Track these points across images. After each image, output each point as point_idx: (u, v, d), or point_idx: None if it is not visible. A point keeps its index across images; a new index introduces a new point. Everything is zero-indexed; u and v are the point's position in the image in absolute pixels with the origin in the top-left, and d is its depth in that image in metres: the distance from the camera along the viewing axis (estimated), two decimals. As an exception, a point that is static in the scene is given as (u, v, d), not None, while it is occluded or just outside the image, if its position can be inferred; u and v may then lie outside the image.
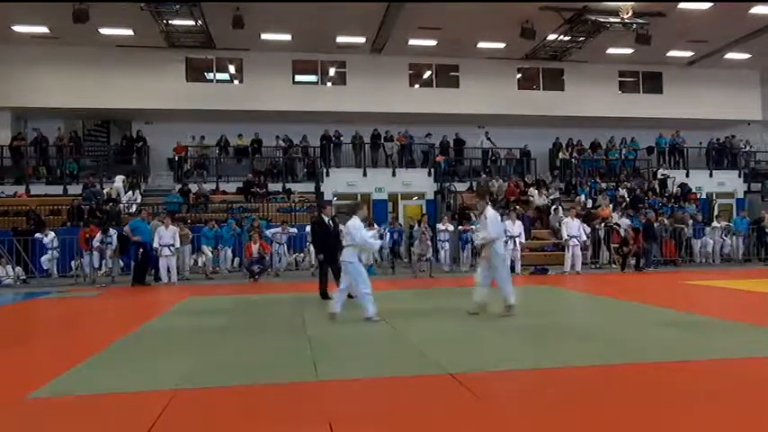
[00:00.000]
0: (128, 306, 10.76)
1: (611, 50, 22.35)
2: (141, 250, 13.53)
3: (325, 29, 20.00)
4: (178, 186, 20.22)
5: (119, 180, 19.06)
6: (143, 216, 14.38)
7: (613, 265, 16.38)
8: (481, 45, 21.87)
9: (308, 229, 15.56)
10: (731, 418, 3.66)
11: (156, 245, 13.74)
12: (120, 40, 20.39)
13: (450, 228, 16.51)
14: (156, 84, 21.22)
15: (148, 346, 6.35)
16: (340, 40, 21.14)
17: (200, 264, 15.82)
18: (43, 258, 15.15)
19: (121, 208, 18.21)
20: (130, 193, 19.35)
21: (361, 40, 21.23)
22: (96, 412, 4.06)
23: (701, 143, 24.53)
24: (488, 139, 23.56)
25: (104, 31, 19.38)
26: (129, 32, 19.80)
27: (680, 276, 14.06)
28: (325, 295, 9.95)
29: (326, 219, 10.31)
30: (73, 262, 15.19)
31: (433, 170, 22.74)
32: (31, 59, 20.41)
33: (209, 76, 22.73)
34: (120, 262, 15.19)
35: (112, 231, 14.51)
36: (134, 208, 17.95)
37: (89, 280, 14.38)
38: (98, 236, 14.27)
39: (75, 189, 19.87)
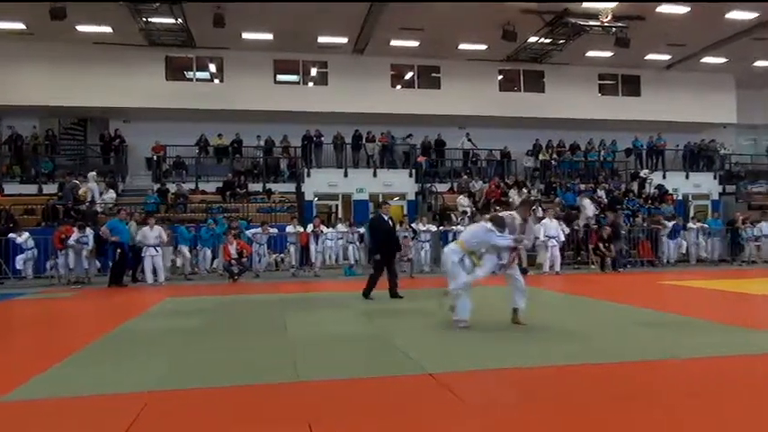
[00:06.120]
0: (104, 307, 10.60)
1: (590, 53, 22.61)
2: (119, 251, 13.34)
3: (307, 29, 19.93)
4: (156, 186, 20.00)
5: (91, 178, 18.71)
6: (121, 216, 14.17)
7: (592, 266, 16.56)
8: (463, 46, 21.97)
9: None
10: (706, 415, 3.71)
11: (137, 240, 13.66)
12: (98, 38, 20.10)
13: (432, 228, 16.56)
14: (134, 82, 20.92)
15: (125, 348, 6.25)
16: (322, 40, 21.08)
17: (178, 264, 15.65)
18: (18, 258, 14.86)
19: (98, 208, 17.91)
20: (112, 192, 19.08)
21: (343, 40, 21.19)
22: (70, 415, 3.97)
23: (677, 145, 24.92)
24: (469, 140, 23.67)
25: (82, 28, 19.09)
26: (108, 30, 19.52)
27: (656, 277, 14.27)
28: (394, 294, 9.93)
29: (386, 217, 10.15)
30: (48, 262, 14.92)
31: (414, 171, 22.78)
32: (6, 56, 19.99)
33: (189, 74, 22.52)
34: (97, 263, 14.97)
35: (89, 231, 14.26)
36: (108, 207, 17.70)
37: (64, 281, 14.13)
38: (74, 234, 14.00)
39: (50, 188, 19.56)
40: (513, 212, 7.40)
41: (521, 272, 7.43)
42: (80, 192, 18.04)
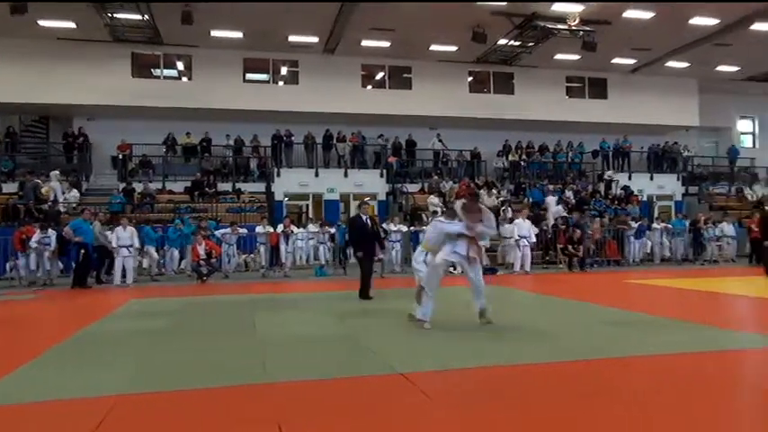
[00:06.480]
0: (68, 309, 10.33)
1: (558, 56, 22.94)
2: (83, 251, 13.01)
3: (278, 28, 19.78)
4: (122, 186, 19.60)
5: (54, 177, 18.23)
6: (85, 216, 13.83)
7: (560, 265, 16.80)
8: (434, 48, 22.07)
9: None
10: (667, 410, 3.78)
11: (114, 244, 13.39)
12: (61, 33, 19.59)
13: (403, 228, 16.60)
14: (99, 79, 20.42)
15: (89, 351, 6.09)
16: (292, 39, 20.94)
17: (144, 265, 15.35)
18: (-24, 260, 14.40)
19: (60, 208, 17.46)
20: (75, 191, 18.60)
21: (314, 39, 21.08)
22: (31, 422, 3.84)
23: (642, 147, 25.48)
24: (440, 140, 23.79)
25: (44, 23, 18.57)
26: (72, 25, 19.03)
27: (622, 276, 14.53)
28: (363, 295, 9.91)
29: (365, 217, 10.32)
30: (8, 264, 14.47)
31: (385, 171, 22.80)
32: (-37, 51, 19.36)
33: (157, 72, 22.11)
34: (60, 264, 14.59)
35: (51, 232, 13.89)
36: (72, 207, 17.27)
37: (25, 282, 13.72)
38: (36, 235, 13.60)
39: (10, 187, 18.98)
40: (457, 201, 7.47)
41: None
42: (42, 191, 17.55)
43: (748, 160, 27.36)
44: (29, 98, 20.17)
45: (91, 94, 20.42)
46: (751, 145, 29.71)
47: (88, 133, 21.29)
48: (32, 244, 13.59)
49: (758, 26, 19.83)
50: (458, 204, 7.12)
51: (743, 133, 29.91)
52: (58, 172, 18.67)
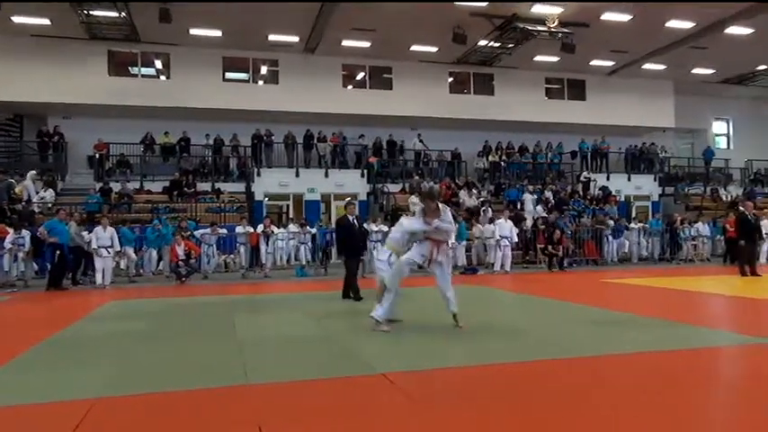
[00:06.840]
0: (44, 311, 10.12)
1: (538, 58, 23.14)
2: (58, 252, 12.78)
3: (257, 26, 19.67)
4: (99, 185, 19.32)
5: (29, 177, 17.92)
6: (60, 216, 13.59)
7: (540, 265, 16.93)
8: (414, 48, 22.12)
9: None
10: (646, 407, 3.82)
11: (94, 245, 13.19)
12: (35, 30, 19.24)
13: (385, 228, 16.58)
14: (75, 77, 20.13)
15: (67, 353, 5.97)
16: (272, 38, 20.83)
17: (122, 266, 15.13)
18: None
19: (35, 208, 17.14)
20: (51, 191, 18.26)
21: (294, 39, 20.99)
22: (5, 426, 3.75)
23: (620, 148, 25.81)
24: (420, 141, 23.85)
25: (18, 19, 18.25)
26: (46, 22, 18.70)
27: (600, 275, 14.69)
28: (346, 295, 9.83)
29: (351, 218, 10.27)
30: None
31: (365, 171, 22.77)
32: (-66, 47, 18.93)
33: (134, 70, 21.82)
34: (34, 265, 14.30)
35: (25, 232, 13.62)
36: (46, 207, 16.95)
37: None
38: (9, 236, 13.32)
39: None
40: (418, 204, 7.47)
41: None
42: (16, 190, 17.22)
43: (723, 161, 27.88)
44: (2, 96, 19.79)
45: (66, 92, 20.12)
46: (725, 146, 30.29)
47: (64, 132, 20.98)
48: (6, 245, 13.31)
49: (733, 29, 20.24)
50: (418, 208, 7.12)
51: (717, 135, 30.47)
52: (34, 172, 18.35)
